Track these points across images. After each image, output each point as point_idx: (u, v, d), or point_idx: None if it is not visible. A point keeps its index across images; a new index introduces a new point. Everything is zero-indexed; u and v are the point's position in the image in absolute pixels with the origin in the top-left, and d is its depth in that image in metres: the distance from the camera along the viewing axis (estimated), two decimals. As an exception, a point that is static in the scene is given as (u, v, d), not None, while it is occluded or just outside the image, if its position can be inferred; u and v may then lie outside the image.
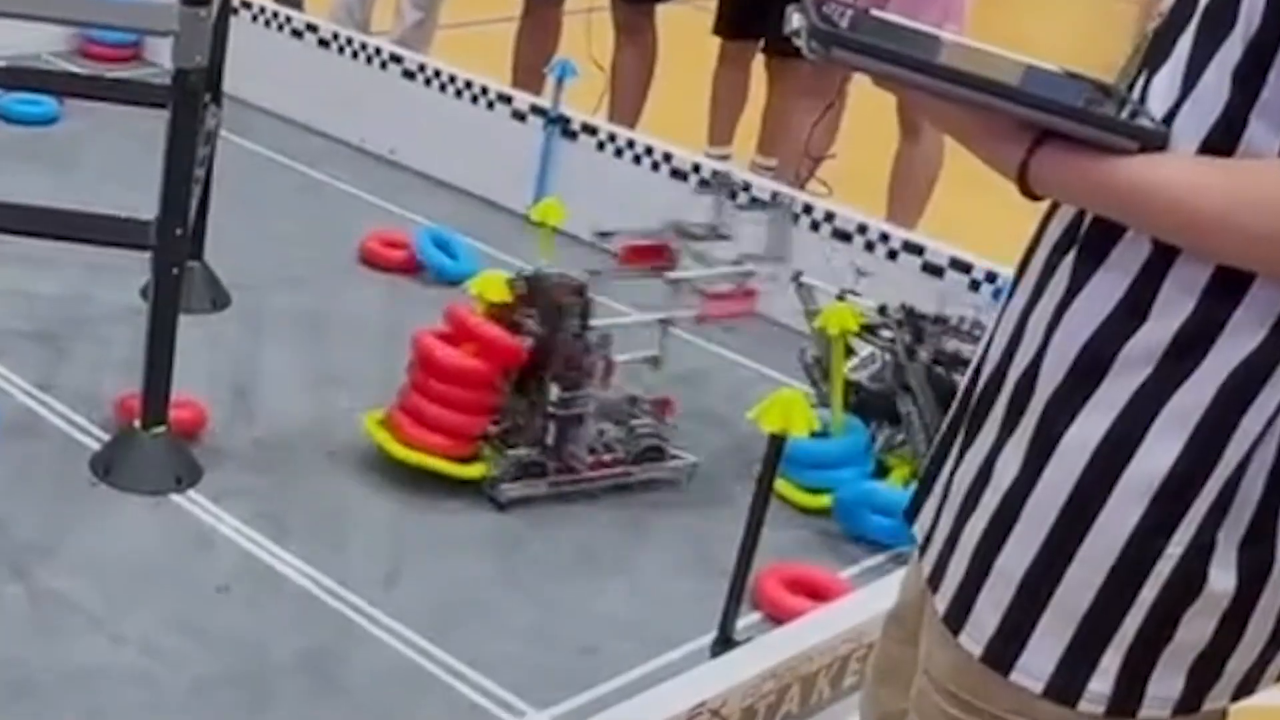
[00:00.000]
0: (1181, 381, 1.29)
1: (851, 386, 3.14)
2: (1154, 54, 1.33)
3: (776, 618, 2.67)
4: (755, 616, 2.70)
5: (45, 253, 3.40)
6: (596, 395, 3.00)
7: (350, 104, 4.59)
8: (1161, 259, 1.30)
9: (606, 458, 3.03)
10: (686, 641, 2.61)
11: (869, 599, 2.47)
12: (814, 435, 2.78)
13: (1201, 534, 1.31)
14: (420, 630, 2.55)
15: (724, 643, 2.50)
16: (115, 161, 3.99)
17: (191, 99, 2.74)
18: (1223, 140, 1.26)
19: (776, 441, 2.38)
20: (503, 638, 2.58)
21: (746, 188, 3.75)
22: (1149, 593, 1.33)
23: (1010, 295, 1.44)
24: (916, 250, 3.69)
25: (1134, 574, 1.33)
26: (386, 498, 2.92)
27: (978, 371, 1.46)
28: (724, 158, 4.77)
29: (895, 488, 3.01)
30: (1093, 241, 1.34)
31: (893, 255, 3.71)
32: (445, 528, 2.87)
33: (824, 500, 3.05)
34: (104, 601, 2.52)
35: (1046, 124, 1.27)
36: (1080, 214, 1.36)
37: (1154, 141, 1.27)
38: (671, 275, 3.07)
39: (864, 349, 3.23)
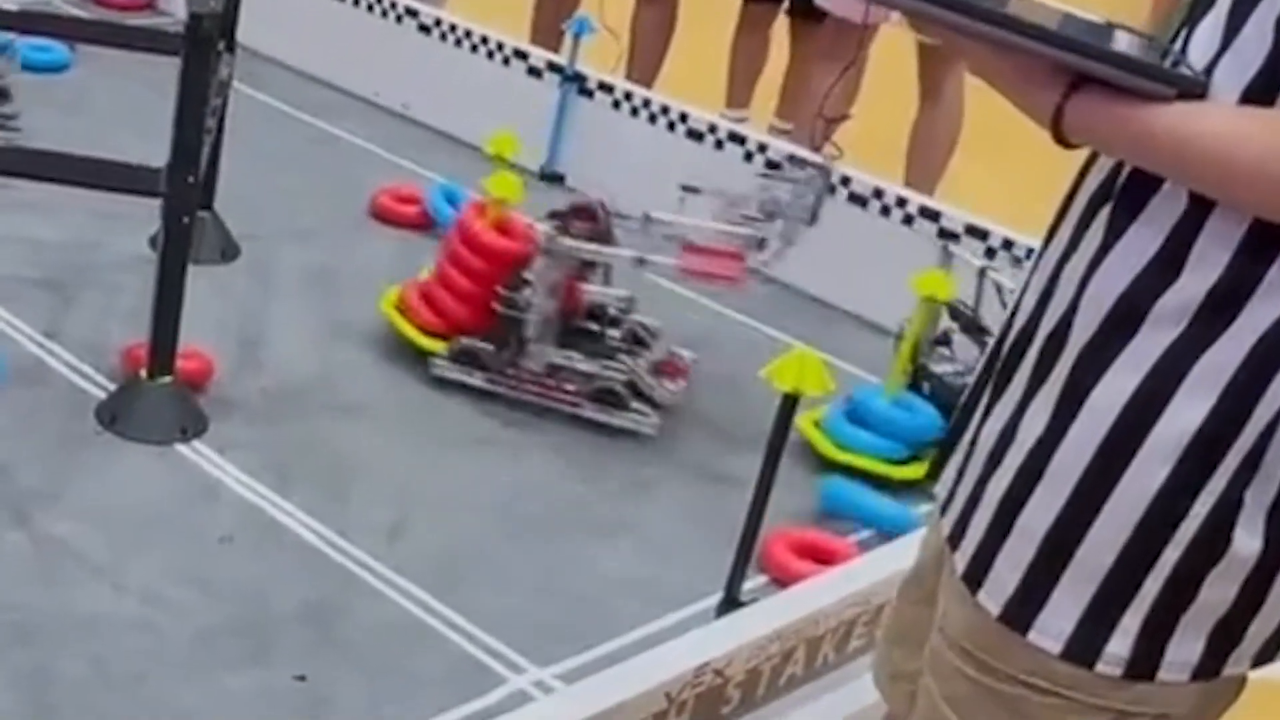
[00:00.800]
0: (1214, 340, 1.28)
1: (930, 376, 3.13)
2: (1195, 7, 1.31)
3: (782, 581, 2.65)
4: (761, 580, 2.67)
5: (54, 199, 3.37)
6: (545, 310, 3.04)
7: (365, 57, 4.55)
8: (1197, 213, 1.28)
9: (551, 381, 3.07)
10: (691, 602, 2.59)
11: (877, 563, 2.45)
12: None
13: (1228, 495, 1.30)
14: (423, 584, 2.54)
15: (730, 603, 2.48)
16: (127, 109, 3.97)
17: (205, 46, 2.72)
18: (1263, 91, 1.24)
19: (789, 401, 2.36)
20: (506, 594, 2.56)
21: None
22: (1172, 553, 1.31)
23: (1044, 249, 1.43)
24: (933, 216, 3.65)
25: (1158, 534, 1.31)
26: (391, 451, 2.91)
27: (1008, 327, 1.45)
28: (741, 120, 4.74)
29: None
30: (1129, 194, 1.32)
31: (908, 220, 3.67)
32: (450, 483, 2.85)
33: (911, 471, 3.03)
34: (107, 550, 2.50)
35: (1084, 69, 1.25)
36: (1117, 167, 1.34)
37: (1193, 89, 1.25)
38: (655, 215, 3.07)
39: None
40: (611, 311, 3.16)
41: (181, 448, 2.80)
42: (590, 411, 3.07)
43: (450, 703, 2.28)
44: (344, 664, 2.34)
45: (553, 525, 2.78)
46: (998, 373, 1.44)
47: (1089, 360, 1.33)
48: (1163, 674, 1.36)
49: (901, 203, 3.71)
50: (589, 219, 3.08)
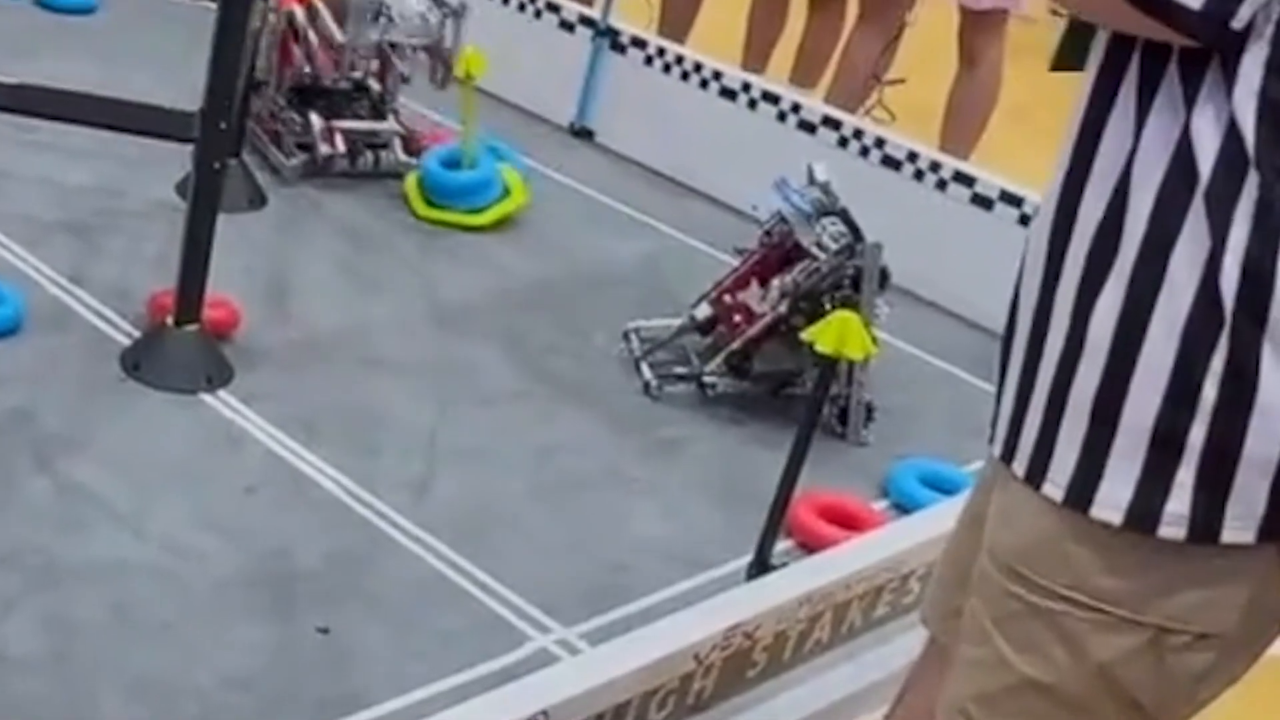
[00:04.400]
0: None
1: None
2: None
3: (808, 546, 2.63)
4: (787, 544, 2.65)
5: (79, 143, 3.36)
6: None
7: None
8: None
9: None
10: (715, 565, 2.57)
11: (908, 530, 2.44)
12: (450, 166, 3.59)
13: (1244, 334, 1.34)
14: (449, 541, 2.51)
15: (760, 566, 2.46)
16: (152, 53, 3.94)
17: (240, -9, 2.68)
18: None
19: (829, 364, 2.33)
20: (532, 552, 2.54)
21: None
22: (1209, 391, 1.35)
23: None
24: (967, 181, 3.61)
25: (1193, 371, 1.35)
26: (419, 406, 2.88)
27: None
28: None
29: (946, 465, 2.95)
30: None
31: (942, 185, 3.63)
32: (478, 439, 2.83)
33: (484, 218, 3.58)
34: (129, 497, 2.49)
35: None
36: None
37: None
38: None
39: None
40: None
41: (206, 397, 2.78)
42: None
43: (474, 660, 2.26)
44: (367, 618, 2.32)
45: (581, 484, 2.76)
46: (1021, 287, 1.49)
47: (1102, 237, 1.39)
48: (1228, 533, 1.38)
49: (935, 167, 3.67)
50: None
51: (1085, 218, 1.40)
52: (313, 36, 3.59)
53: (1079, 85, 1.45)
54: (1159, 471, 1.37)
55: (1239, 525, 1.38)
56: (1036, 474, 1.44)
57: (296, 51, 3.59)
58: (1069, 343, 1.41)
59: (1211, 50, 1.31)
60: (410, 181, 3.65)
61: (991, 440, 1.53)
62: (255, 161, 3.57)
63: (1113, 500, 1.39)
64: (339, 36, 3.57)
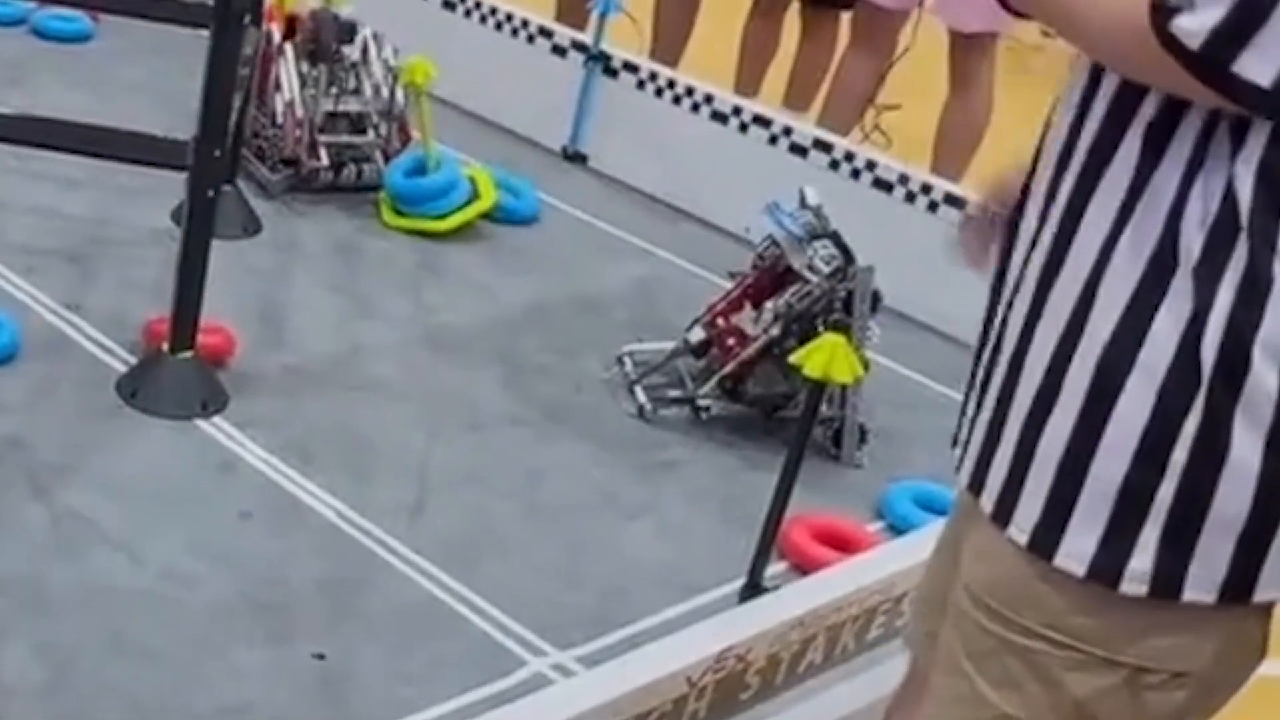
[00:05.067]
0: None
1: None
2: None
3: (802, 568, 2.64)
4: (781, 566, 2.66)
5: (75, 172, 3.38)
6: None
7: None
8: (1151, 155, 1.35)
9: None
10: (710, 588, 2.57)
11: (900, 552, 2.44)
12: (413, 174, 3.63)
13: (1217, 401, 1.34)
14: (443, 565, 2.52)
15: (753, 589, 2.47)
16: (146, 81, 3.97)
17: (234, 19, 2.69)
18: None
19: (816, 388, 2.34)
20: (527, 576, 2.55)
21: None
22: (1180, 454, 1.34)
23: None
24: (959, 204, 3.62)
25: (1165, 432, 1.34)
26: (413, 430, 2.89)
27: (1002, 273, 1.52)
28: None
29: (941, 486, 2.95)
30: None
31: (934, 207, 3.65)
32: (473, 463, 2.83)
33: (450, 223, 3.61)
34: (125, 524, 2.49)
35: None
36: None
37: None
38: None
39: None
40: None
41: (202, 423, 2.78)
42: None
43: (469, 684, 2.27)
44: (363, 643, 2.33)
45: (574, 508, 2.76)
46: (999, 323, 1.49)
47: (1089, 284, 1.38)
48: (1189, 592, 1.38)
49: (927, 189, 3.69)
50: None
51: (1075, 264, 1.39)
52: (284, 78, 3.61)
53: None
54: (1124, 529, 1.37)
55: (1200, 587, 1.38)
56: (1002, 515, 1.44)
57: (273, 70, 3.64)
58: (1043, 390, 1.41)
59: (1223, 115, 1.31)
60: (383, 194, 3.70)
61: (959, 468, 1.53)
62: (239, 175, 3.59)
63: (1076, 552, 1.39)
64: (300, 109, 3.60)
